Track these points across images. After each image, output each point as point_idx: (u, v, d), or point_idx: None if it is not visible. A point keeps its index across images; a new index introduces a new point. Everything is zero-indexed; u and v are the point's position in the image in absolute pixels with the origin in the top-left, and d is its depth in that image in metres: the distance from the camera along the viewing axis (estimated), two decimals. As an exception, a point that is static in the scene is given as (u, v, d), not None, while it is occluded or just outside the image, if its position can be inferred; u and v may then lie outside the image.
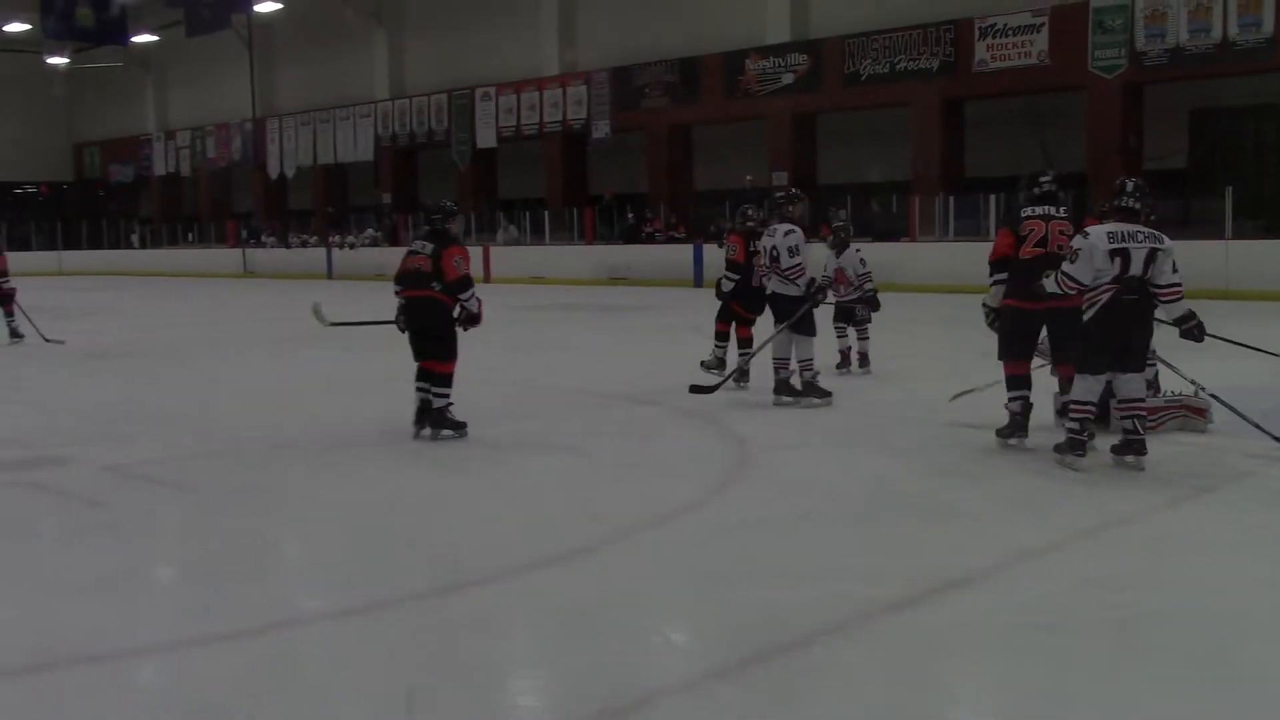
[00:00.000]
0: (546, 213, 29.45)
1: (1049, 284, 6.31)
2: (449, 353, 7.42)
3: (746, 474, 6.59)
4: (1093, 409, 6.19)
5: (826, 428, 7.72)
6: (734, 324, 9.66)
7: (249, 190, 40.19)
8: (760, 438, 7.42)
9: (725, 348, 9.68)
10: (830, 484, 6.19)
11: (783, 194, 8.90)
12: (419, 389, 7.45)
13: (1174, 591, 4.34)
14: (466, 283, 7.37)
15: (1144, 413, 6.17)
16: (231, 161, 39.92)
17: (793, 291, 8.46)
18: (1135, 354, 6.13)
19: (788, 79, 25.32)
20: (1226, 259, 16.57)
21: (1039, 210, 6.76)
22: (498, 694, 3.67)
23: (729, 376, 8.94)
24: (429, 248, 7.40)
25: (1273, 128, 20.83)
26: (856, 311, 10.05)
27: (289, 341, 14.76)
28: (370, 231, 33.70)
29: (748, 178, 25.45)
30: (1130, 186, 6.22)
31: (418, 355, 7.47)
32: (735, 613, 4.20)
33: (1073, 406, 6.22)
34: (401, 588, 4.55)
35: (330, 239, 34.10)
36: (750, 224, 9.51)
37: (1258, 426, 6.61)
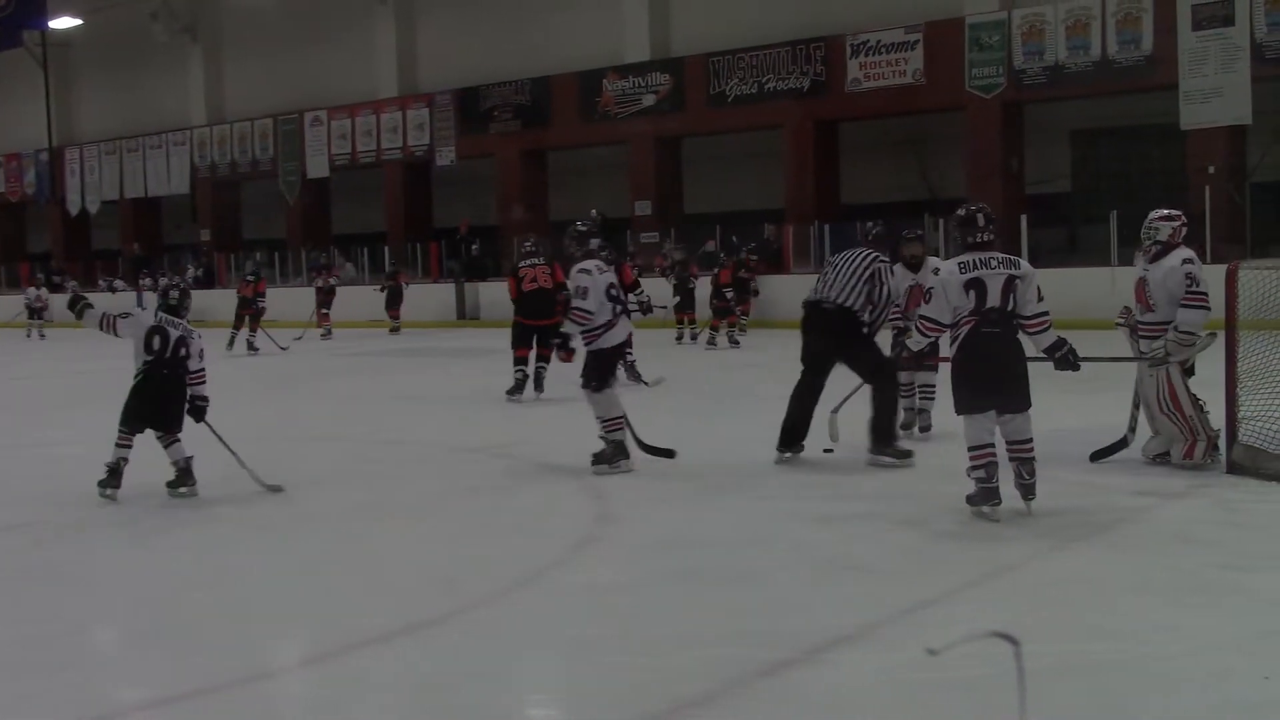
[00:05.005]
0: (387, 248, 29.20)
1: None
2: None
3: (609, 531, 6.60)
4: (992, 451, 6.20)
5: (694, 478, 7.74)
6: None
7: (46, 229, 39.00)
8: (623, 491, 7.44)
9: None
10: (701, 539, 6.21)
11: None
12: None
13: (1069, 641, 4.43)
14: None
15: (1032, 455, 6.27)
16: (25, 196, 38.72)
17: None
18: (1012, 392, 6.22)
19: (649, 100, 25.65)
20: (1113, 287, 17.20)
21: (530, 260, 11.77)
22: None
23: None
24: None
25: (1155, 149, 21.77)
26: None
27: (91, 399, 14.30)
28: (191, 271, 32.97)
29: (592, 211, 25.68)
30: (982, 220, 6.35)
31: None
32: (600, 685, 4.19)
33: (971, 455, 6.25)
34: (229, 671, 4.43)
35: (141, 282, 33.26)
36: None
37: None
